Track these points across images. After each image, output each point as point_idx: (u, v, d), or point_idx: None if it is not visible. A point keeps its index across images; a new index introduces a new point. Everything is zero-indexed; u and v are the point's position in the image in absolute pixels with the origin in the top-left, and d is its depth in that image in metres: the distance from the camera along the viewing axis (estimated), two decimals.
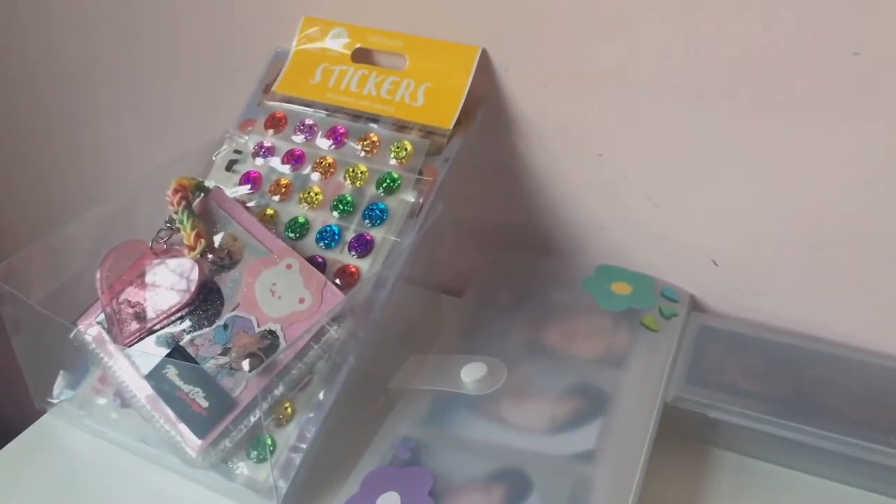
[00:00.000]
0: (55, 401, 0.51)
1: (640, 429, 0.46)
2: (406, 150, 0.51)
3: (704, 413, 0.48)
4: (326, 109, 0.54)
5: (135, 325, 0.48)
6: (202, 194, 0.51)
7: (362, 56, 0.56)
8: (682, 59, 0.48)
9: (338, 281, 0.48)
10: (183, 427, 0.45)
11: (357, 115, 0.54)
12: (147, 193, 0.52)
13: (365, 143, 0.52)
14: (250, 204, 0.52)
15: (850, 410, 0.47)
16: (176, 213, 0.49)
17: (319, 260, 0.49)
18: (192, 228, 0.49)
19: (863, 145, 0.46)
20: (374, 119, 0.53)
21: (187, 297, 0.48)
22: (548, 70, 0.52)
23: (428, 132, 0.52)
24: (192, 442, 0.45)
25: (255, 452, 0.45)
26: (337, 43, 0.56)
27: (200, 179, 0.52)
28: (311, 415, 0.46)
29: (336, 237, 0.50)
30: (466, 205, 0.60)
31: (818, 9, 0.43)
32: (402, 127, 0.53)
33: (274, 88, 0.56)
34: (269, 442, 0.45)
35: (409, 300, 0.55)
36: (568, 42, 0.50)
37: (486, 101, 0.54)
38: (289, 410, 0.46)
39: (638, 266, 0.57)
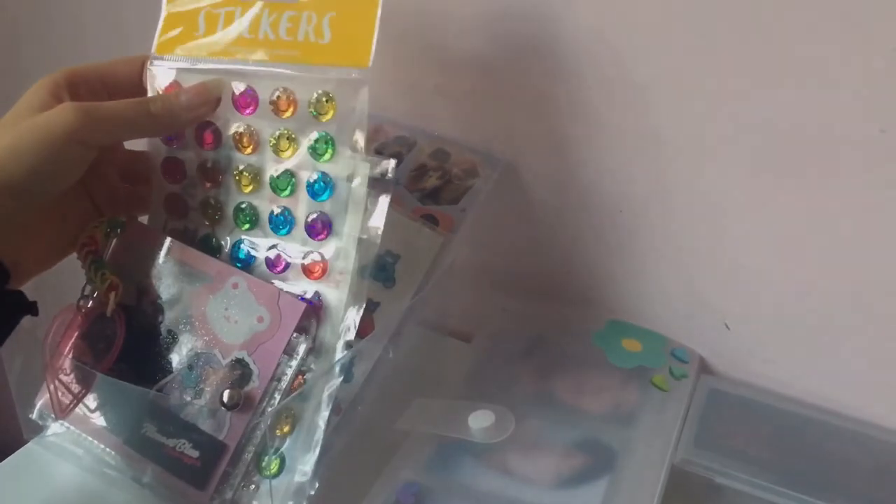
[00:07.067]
0: (47, 434, 0.49)
1: (648, 490, 0.46)
2: (329, 102, 0.43)
3: (712, 478, 0.47)
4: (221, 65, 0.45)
5: (71, 396, 0.45)
6: (119, 230, 0.47)
7: None
8: (710, 125, 0.48)
9: (306, 272, 0.44)
10: (180, 483, 0.43)
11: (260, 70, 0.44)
12: None
13: (279, 102, 0.44)
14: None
15: (860, 486, 0.47)
16: (86, 270, 0.46)
17: (282, 256, 0.45)
18: (103, 282, 0.45)
19: (883, 218, 0.46)
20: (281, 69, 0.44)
21: (111, 355, 0.45)
22: (572, 128, 0.52)
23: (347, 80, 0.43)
24: (195, 495, 0.43)
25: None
26: None
27: (113, 217, 0.47)
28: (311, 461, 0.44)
29: (289, 222, 0.45)
30: (479, 249, 0.60)
31: (847, 89, 0.44)
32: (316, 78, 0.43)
33: (153, 49, 0.46)
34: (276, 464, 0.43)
35: (416, 343, 0.54)
36: (592, 106, 0.51)
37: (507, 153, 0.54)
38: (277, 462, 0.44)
39: (648, 323, 0.57)
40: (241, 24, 0.45)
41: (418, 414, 0.50)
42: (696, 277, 0.54)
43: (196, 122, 0.45)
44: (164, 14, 0.47)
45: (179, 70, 0.46)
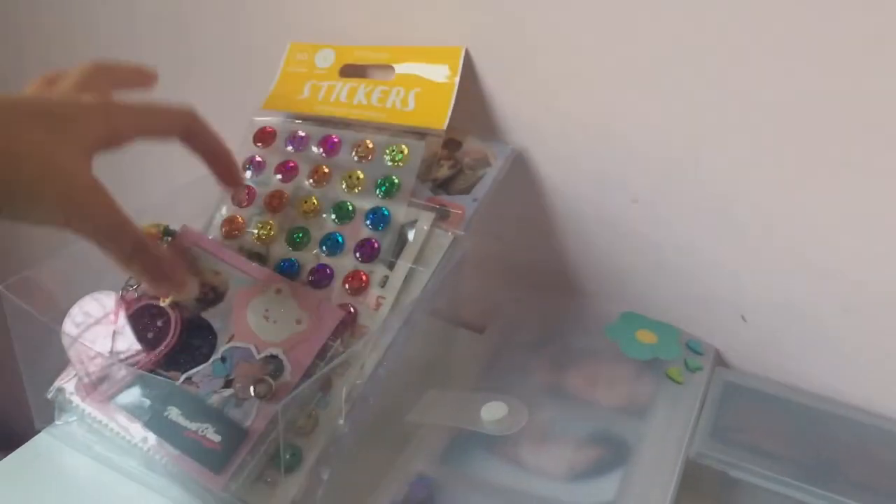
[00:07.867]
0: (59, 422, 0.49)
1: (662, 483, 0.45)
2: (403, 152, 0.51)
3: (726, 471, 0.47)
4: (317, 121, 0.54)
5: (110, 383, 0.46)
6: (170, 238, 0.50)
7: (350, 73, 0.56)
8: (726, 114, 0.47)
9: (347, 286, 0.48)
10: (197, 466, 0.43)
11: (349, 125, 0.53)
12: (172, 212, 0.51)
13: (359, 149, 0.52)
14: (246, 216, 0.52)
15: (876, 481, 0.46)
16: None
17: (327, 271, 0.49)
18: None
19: None
20: (367, 126, 0.53)
21: (164, 346, 0.46)
22: (586, 116, 0.51)
23: (423, 135, 0.52)
24: (211, 479, 0.43)
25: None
26: (324, 62, 0.56)
27: (166, 224, 0.50)
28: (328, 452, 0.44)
29: (341, 245, 0.50)
30: (493, 240, 0.59)
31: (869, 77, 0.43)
32: (395, 133, 0.52)
33: (261, 106, 0.56)
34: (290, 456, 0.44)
35: (428, 333, 0.54)
36: (606, 94, 0.50)
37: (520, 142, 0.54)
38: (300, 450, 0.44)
39: (663, 315, 0.56)
40: (339, 94, 0.54)
41: (430, 406, 0.50)
42: (712, 269, 0.53)
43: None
44: (277, 76, 0.56)
45: (281, 121, 0.55)
